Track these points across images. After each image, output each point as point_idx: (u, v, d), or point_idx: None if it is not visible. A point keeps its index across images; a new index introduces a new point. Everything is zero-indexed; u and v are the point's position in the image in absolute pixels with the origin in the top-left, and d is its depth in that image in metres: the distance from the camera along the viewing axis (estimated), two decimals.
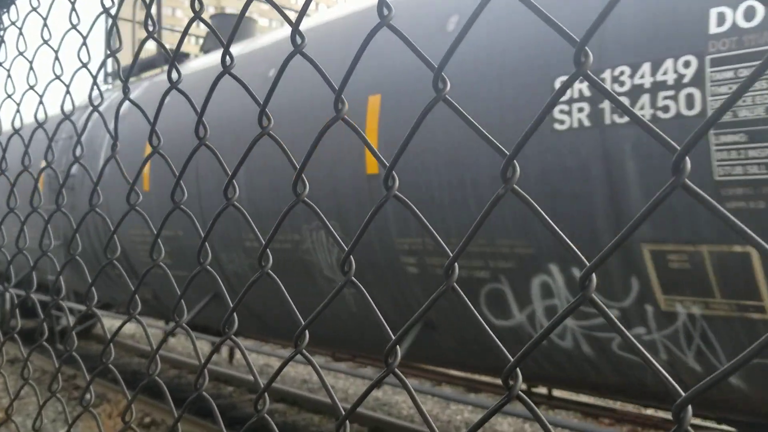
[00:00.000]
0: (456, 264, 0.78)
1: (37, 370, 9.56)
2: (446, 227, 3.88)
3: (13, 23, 1.70)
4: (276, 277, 1.01)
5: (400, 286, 4.39)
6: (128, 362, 10.40)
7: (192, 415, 6.85)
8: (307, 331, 0.96)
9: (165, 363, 9.99)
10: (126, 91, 1.29)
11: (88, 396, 1.42)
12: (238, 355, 9.80)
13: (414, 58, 0.80)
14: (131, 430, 1.32)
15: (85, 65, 1.40)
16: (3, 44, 1.77)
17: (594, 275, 0.66)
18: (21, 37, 1.64)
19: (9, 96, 1.70)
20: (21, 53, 1.64)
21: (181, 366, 9.90)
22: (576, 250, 0.69)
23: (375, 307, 0.89)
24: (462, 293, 0.78)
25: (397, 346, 0.85)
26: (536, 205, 0.71)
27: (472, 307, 0.78)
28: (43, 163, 1.53)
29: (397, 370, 0.85)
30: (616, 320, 0.65)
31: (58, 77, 1.49)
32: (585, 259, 0.67)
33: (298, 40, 0.95)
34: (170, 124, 6.05)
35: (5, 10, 1.85)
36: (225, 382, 8.89)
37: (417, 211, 0.84)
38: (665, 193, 0.60)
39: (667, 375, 0.62)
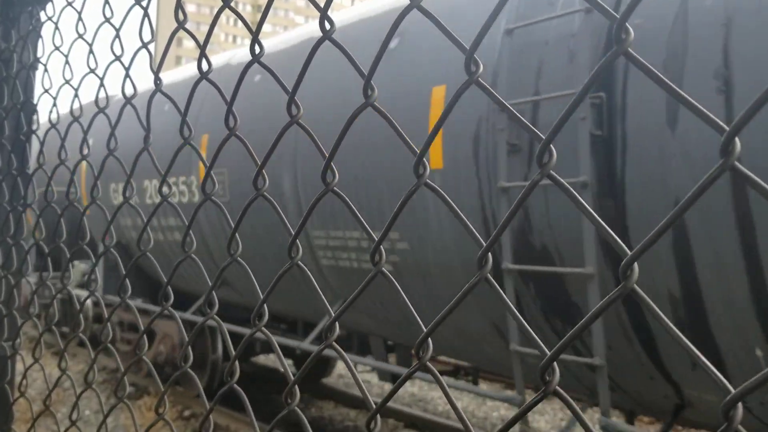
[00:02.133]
0: (489, 254, 0.75)
1: (81, 362, 9.79)
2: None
3: (49, 18, 1.72)
4: (306, 268, 0.99)
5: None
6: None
7: (228, 408, 6.93)
8: (336, 324, 0.94)
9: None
10: (157, 83, 1.29)
11: (125, 388, 1.43)
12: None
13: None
14: (165, 422, 1.32)
15: (118, 58, 1.40)
16: (40, 39, 1.79)
17: (636, 265, 0.62)
18: (57, 31, 1.65)
19: (46, 91, 1.72)
20: (57, 48, 1.65)
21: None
22: (617, 237, 0.65)
23: (406, 298, 0.87)
24: (495, 284, 0.75)
25: (429, 340, 0.83)
26: (575, 193, 0.68)
27: (506, 298, 0.74)
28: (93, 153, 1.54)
29: (429, 364, 0.83)
30: (659, 312, 0.61)
31: (92, 71, 1.50)
32: (627, 248, 0.64)
33: (327, 25, 0.93)
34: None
35: (42, 7, 1.88)
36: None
37: (449, 200, 0.81)
38: (713, 176, 0.56)
39: (715, 370, 0.58)
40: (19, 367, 2.00)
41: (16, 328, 1.90)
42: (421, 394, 8.26)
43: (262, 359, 9.34)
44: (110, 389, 8.28)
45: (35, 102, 1.87)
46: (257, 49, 1.06)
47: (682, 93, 0.59)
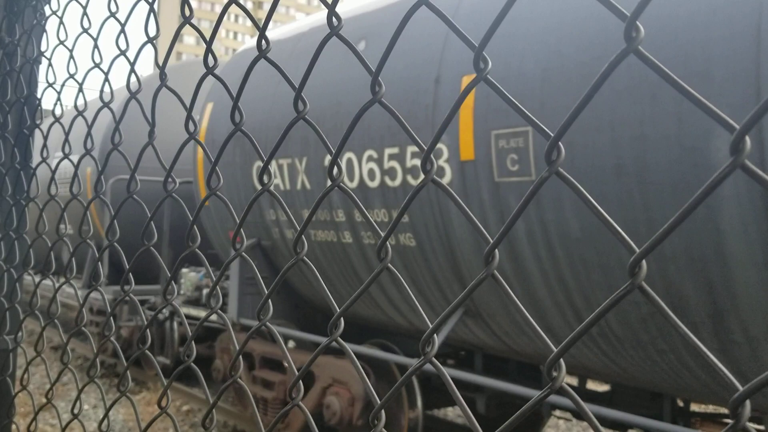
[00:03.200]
0: (496, 251, 0.76)
1: (79, 357, 9.80)
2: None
3: (54, 13, 1.72)
4: (312, 264, 0.99)
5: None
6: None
7: (229, 405, 6.94)
8: (342, 319, 0.95)
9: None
10: (163, 77, 1.29)
11: (127, 382, 1.43)
12: None
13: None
14: (167, 415, 1.32)
15: (123, 53, 1.40)
16: (45, 34, 1.79)
17: (644, 262, 0.63)
18: (62, 26, 1.65)
19: (50, 85, 1.72)
20: (62, 42, 1.65)
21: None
22: (624, 235, 0.65)
23: (411, 294, 0.87)
24: (503, 281, 0.76)
25: (435, 335, 0.83)
26: (581, 188, 0.68)
27: (513, 296, 0.75)
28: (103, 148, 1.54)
29: (434, 359, 0.83)
30: (668, 310, 0.62)
31: (97, 65, 1.50)
32: (634, 245, 0.64)
33: (335, 21, 0.93)
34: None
35: (47, 1, 1.88)
36: None
37: (457, 192, 0.81)
38: (723, 174, 0.56)
39: (722, 367, 0.58)
40: (20, 361, 2.00)
41: (18, 322, 1.90)
42: None
43: None
44: (108, 384, 8.29)
45: (39, 96, 1.87)
46: (263, 45, 1.06)
47: (693, 92, 0.59)
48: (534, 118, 0.73)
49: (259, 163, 5.68)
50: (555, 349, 0.69)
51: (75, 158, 8.94)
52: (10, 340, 1.90)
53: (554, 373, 0.69)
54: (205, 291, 7.36)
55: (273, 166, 5.50)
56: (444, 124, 0.81)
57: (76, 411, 1.62)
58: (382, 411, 0.88)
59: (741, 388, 0.56)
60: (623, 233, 0.66)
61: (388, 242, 0.87)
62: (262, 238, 6.04)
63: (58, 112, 1.66)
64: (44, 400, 1.76)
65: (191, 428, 6.70)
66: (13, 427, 1.94)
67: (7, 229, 1.87)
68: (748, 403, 0.55)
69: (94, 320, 8.92)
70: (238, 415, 6.61)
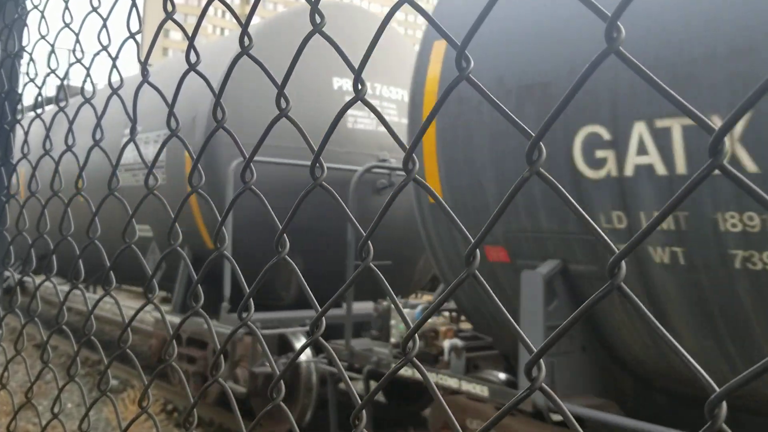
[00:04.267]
0: (477, 250, 0.75)
1: (62, 355, 9.73)
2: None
3: (35, 7, 1.70)
4: (292, 261, 0.98)
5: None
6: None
7: (214, 404, 6.90)
8: (324, 319, 0.94)
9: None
10: (145, 73, 1.28)
11: (108, 381, 1.42)
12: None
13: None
14: (148, 415, 1.31)
15: (105, 48, 1.39)
16: (26, 28, 1.77)
17: (624, 263, 0.63)
18: (43, 20, 1.63)
19: (31, 80, 1.70)
20: (43, 37, 1.63)
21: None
22: (604, 236, 0.65)
23: (393, 294, 0.87)
24: (483, 280, 0.75)
25: (416, 335, 0.83)
26: (562, 189, 0.68)
27: (492, 294, 0.74)
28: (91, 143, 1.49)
29: (415, 359, 0.83)
30: (647, 311, 0.62)
31: (78, 60, 1.49)
32: (614, 246, 0.64)
33: (317, 18, 0.92)
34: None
35: None
36: None
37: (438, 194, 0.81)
38: (702, 174, 0.57)
39: (699, 368, 0.58)
40: (0, 359, 1.98)
41: None
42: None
43: None
44: (92, 382, 8.23)
45: (20, 91, 1.85)
46: (246, 42, 1.05)
47: (673, 93, 0.59)
48: (515, 118, 0.72)
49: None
50: (535, 350, 0.69)
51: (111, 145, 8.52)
52: None
53: (534, 374, 0.69)
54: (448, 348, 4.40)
55: None
56: (425, 124, 0.80)
57: (56, 410, 1.60)
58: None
59: (718, 390, 0.56)
60: (603, 234, 0.66)
61: (369, 242, 0.87)
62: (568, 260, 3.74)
63: (61, 104, 1.64)
64: (25, 399, 1.75)
65: (177, 428, 6.66)
66: None
67: None
68: (724, 404, 0.55)
69: (186, 353, 6.50)
70: (175, 391, 6.68)
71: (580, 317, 0.64)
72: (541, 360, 0.69)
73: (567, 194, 0.67)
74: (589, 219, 0.67)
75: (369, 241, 0.87)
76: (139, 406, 1.27)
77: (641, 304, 0.62)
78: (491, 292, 0.76)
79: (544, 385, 0.69)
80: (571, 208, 0.67)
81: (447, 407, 0.78)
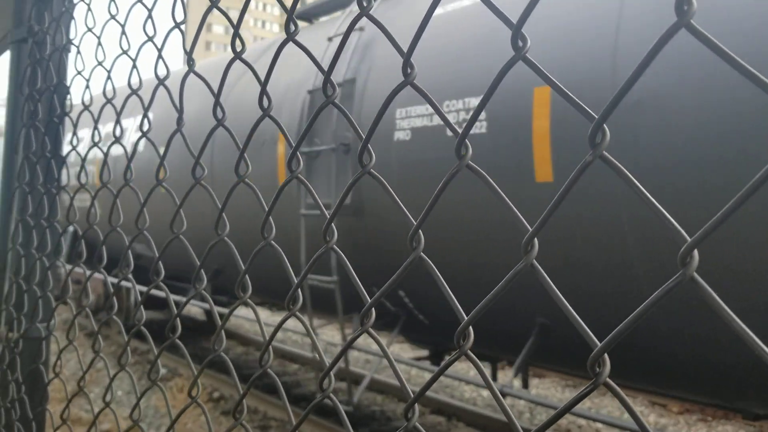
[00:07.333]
0: (535, 239, 0.72)
1: (113, 344, 9.97)
2: None
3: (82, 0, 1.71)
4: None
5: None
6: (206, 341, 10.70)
7: (259, 391, 7.00)
8: (373, 310, 0.92)
9: (233, 340, 10.25)
10: (191, 64, 1.27)
11: (158, 370, 1.43)
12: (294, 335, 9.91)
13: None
14: (197, 404, 1.31)
15: (150, 39, 1.39)
16: (73, 21, 1.79)
17: (696, 251, 0.59)
18: (89, 13, 1.65)
19: (79, 73, 1.72)
20: (90, 29, 1.65)
21: (248, 343, 10.13)
22: (674, 221, 0.61)
23: (446, 286, 0.84)
24: (542, 270, 0.72)
25: (470, 328, 0.80)
26: (629, 174, 0.64)
27: (553, 286, 0.71)
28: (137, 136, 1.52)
29: (469, 352, 0.80)
30: (722, 303, 0.57)
31: (125, 52, 1.49)
32: (686, 234, 0.60)
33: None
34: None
35: None
36: (291, 360, 9.05)
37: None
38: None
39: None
40: (53, 348, 2.02)
41: (51, 310, 1.92)
42: (447, 380, 8.24)
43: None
44: (141, 370, 8.42)
45: (68, 84, 1.87)
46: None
47: (745, 64, 0.55)
48: (575, 98, 0.69)
49: None
50: (599, 344, 0.65)
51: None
52: (43, 328, 1.92)
53: (597, 369, 0.65)
54: None
55: None
56: (478, 109, 0.77)
57: (107, 399, 1.62)
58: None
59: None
60: (673, 220, 0.62)
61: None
62: None
63: (87, 99, 1.66)
64: (78, 387, 1.78)
65: (222, 416, 6.77)
66: (47, 414, 1.96)
67: (38, 218, 1.88)
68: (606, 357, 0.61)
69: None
70: (273, 403, 6.68)
71: (651, 307, 0.61)
72: (605, 355, 0.65)
73: (633, 178, 0.64)
74: (656, 203, 0.63)
75: (420, 230, 0.85)
76: (189, 396, 1.27)
77: (715, 295, 0.58)
78: (551, 283, 0.73)
79: (608, 380, 0.65)
80: (638, 192, 0.63)
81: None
